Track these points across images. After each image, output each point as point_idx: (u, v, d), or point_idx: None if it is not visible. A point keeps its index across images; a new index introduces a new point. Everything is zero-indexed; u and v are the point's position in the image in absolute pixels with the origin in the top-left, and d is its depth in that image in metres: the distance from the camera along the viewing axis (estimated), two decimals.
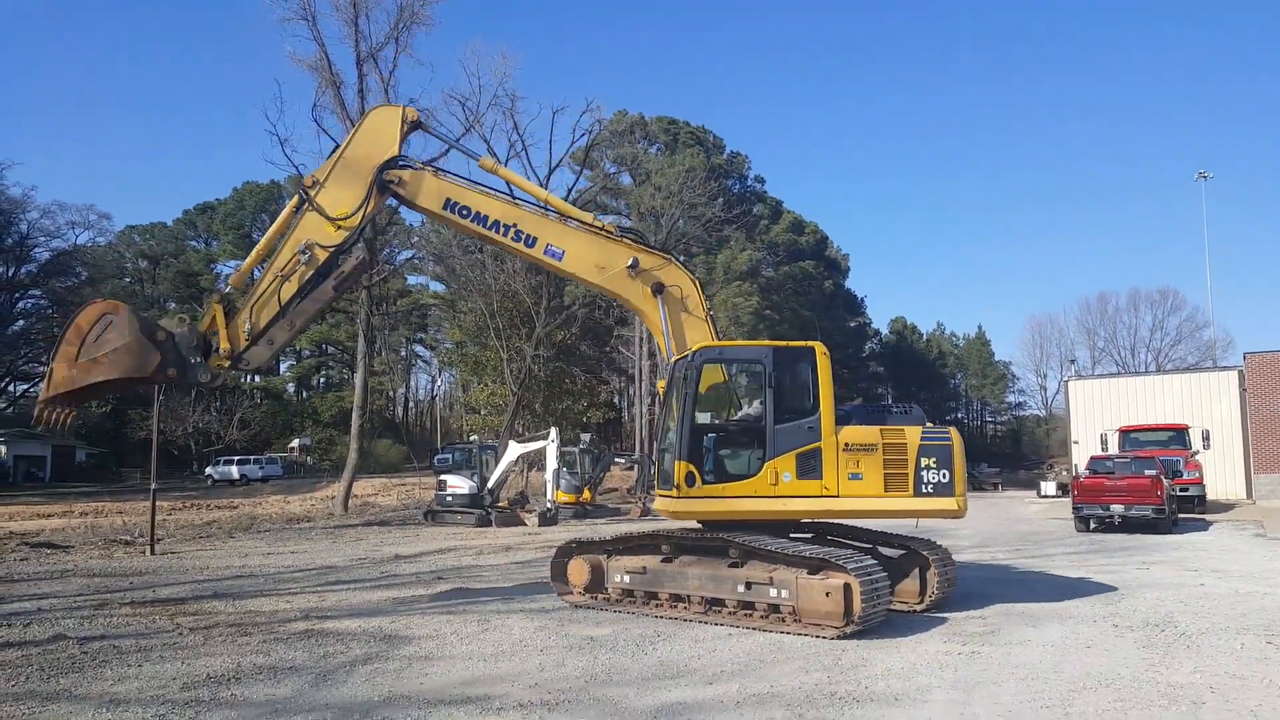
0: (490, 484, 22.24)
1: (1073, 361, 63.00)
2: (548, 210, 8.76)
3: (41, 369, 56.50)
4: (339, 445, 50.29)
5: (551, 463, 21.76)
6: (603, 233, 8.55)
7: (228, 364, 8.20)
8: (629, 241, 8.70)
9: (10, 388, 54.24)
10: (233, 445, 51.24)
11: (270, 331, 8.25)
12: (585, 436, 27.98)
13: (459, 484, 22.23)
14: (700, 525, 8.10)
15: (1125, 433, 24.34)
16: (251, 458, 48.70)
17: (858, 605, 6.72)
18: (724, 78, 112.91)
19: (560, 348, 37.11)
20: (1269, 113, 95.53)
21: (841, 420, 7.76)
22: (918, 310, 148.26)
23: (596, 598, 8.37)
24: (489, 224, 8.44)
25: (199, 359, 8.08)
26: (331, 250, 8.30)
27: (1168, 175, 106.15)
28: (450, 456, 23.94)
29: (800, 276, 55.74)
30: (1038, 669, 5.90)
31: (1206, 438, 22.43)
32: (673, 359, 8.20)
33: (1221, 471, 26.24)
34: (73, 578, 11.47)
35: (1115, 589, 9.44)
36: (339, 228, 8.26)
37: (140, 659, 6.42)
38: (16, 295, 51.78)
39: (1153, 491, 16.27)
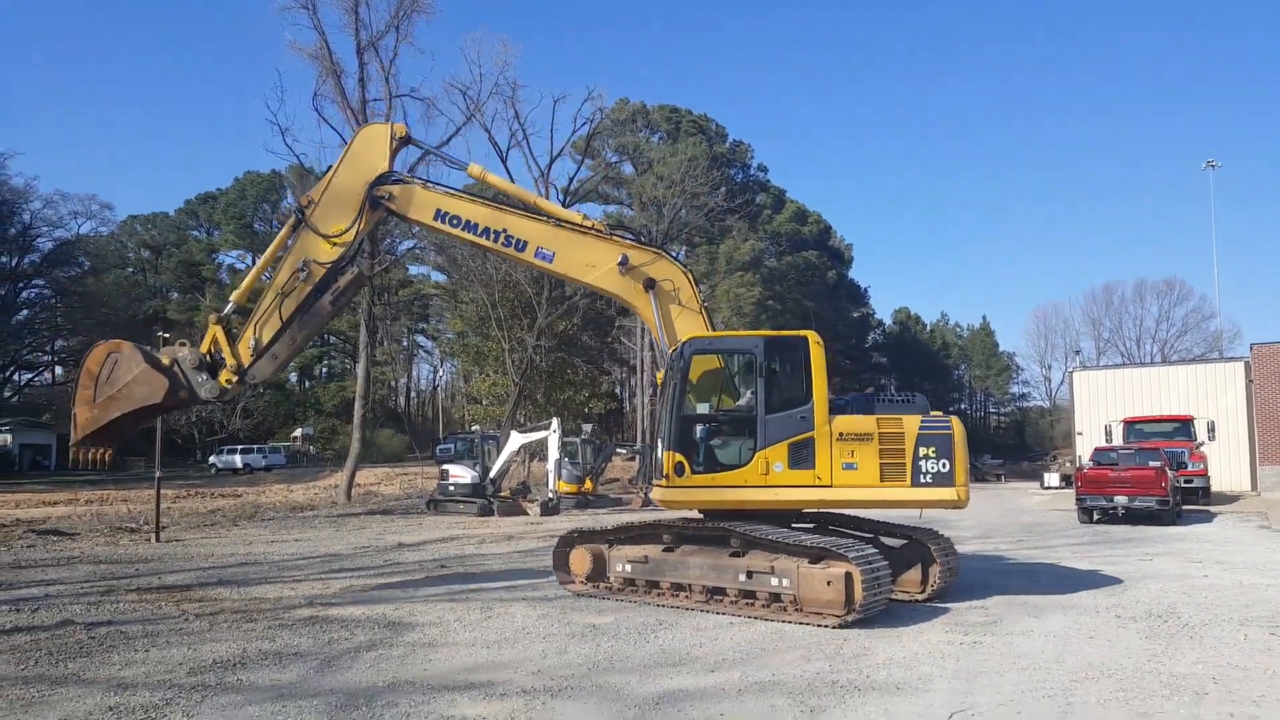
0: (492, 474, 22.31)
1: (1077, 352, 62.85)
2: (537, 213, 8.89)
3: (45, 358, 56.85)
4: (341, 435, 50.39)
5: (553, 453, 21.80)
6: (591, 231, 8.64)
7: (235, 378, 8.59)
8: (618, 238, 8.78)
9: (15, 377, 54.47)
10: (236, 434, 51.41)
11: (274, 346, 8.63)
12: (587, 427, 28.03)
13: (461, 474, 22.30)
14: (701, 515, 8.13)
15: (1130, 424, 24.27)
16: (255, 447, 48.89)
17: (859, 594, 6.72)
18: (724, 77, 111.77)
19: (562, 338, 37.10)
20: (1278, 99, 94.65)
21: (839, 410, 7.75)
22: (921, 301, 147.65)
23: (598, 587, 8.40)
24: (479, 231, 8.65)
25: (205, 376, 8.54)
26: (328, 267, 8.62)
27: (1175, 165, 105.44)
28: (452, 446, 23.98)
29: (803, 267, 55.55)
30: (1040, 659, 5.91)
31: (1212, 429, 22.35)
32: (669, 352, 8.23)
33: (1226, 463, 26.16)
34: (79, 564, 11.55)
35: (1118, 580, 9.44)
36: (334, 245, 8.57)
37: (147, 644, 6.47)
38: (20, 285, 51.91)
39: (1157, 483, 16.25)
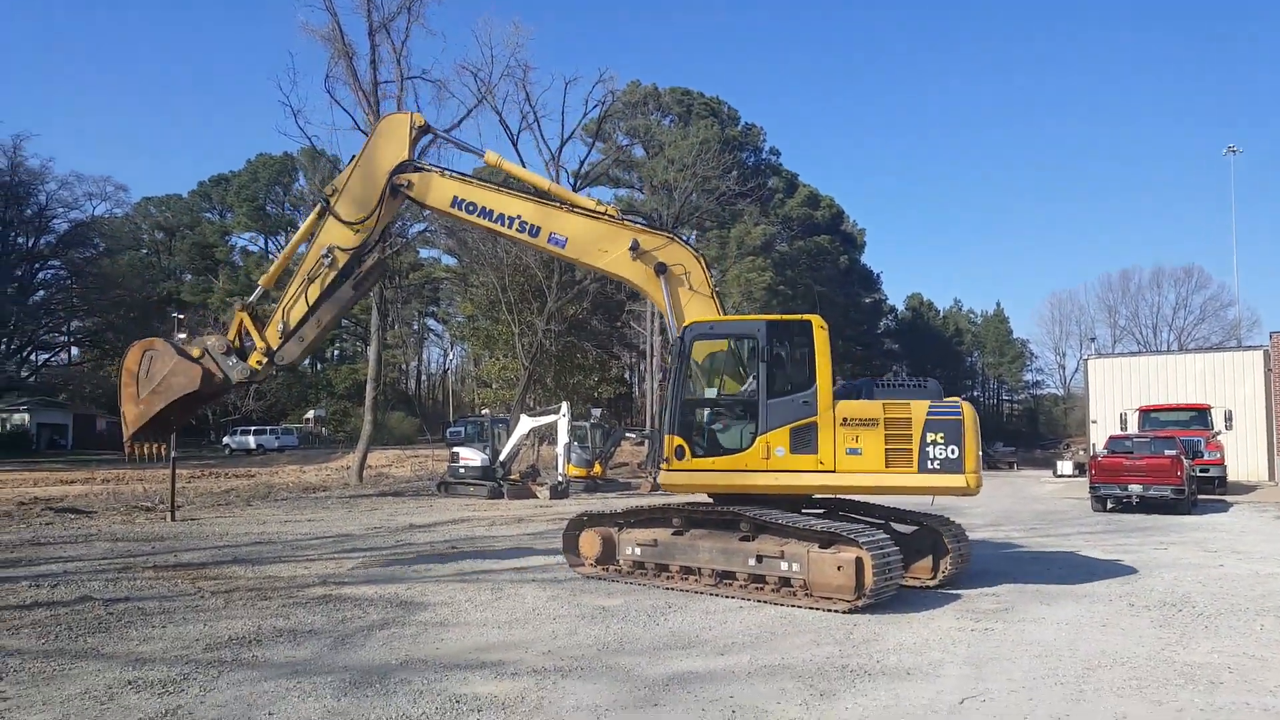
0: (502, 457, 22.40)
1: (1093, 339, 62.23)
2: (550, 198, 9.02)
3: (61, 339, 57.52)
4: (353, 417, 50.85)
5: (563, 437, 21.85)
6: (604, 217, 8.71)
7: (265, 360, 8.95)
8: (629, 223, 8.88)
9: (32, 357, 55.19)
10: (249, 416, 51.90)
11: (300, 330, 8.97)
12: (596, 411, 28.04)
13: (471, 456, 22.41)
14: (711, 499, 8.12)
15: (1145, 412, 23.97)
16: (268, 428, 49.38)
17: (869, 579, 6.70)
18: (724, 76, 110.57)
19: (571, 322, 37.08)
20: None
21: (848, 394, 7.68)
22: (935, 287, 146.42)
23: (608, 569, 8.43)
24: (494, 217, 8.85)
25: (235, 360, 8.93)
26: (351, 253, 8.93)
27: (1194, 152, 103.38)
28: (463, 429, 24.10)
29: (815, 251, 55.12)
30: (1052, 646, 5.88)
31: (1229, 418, 22.05)
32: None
33: (1244, 453, 25.83)
34: (96, 542, 11.73)
35: (1132, 569, 9.37)
36: (357, 231, 8.89)
37: (164, 620, 6.56)
38: (36, 266, 52.44)
39: (1172, 472, 16.07)
